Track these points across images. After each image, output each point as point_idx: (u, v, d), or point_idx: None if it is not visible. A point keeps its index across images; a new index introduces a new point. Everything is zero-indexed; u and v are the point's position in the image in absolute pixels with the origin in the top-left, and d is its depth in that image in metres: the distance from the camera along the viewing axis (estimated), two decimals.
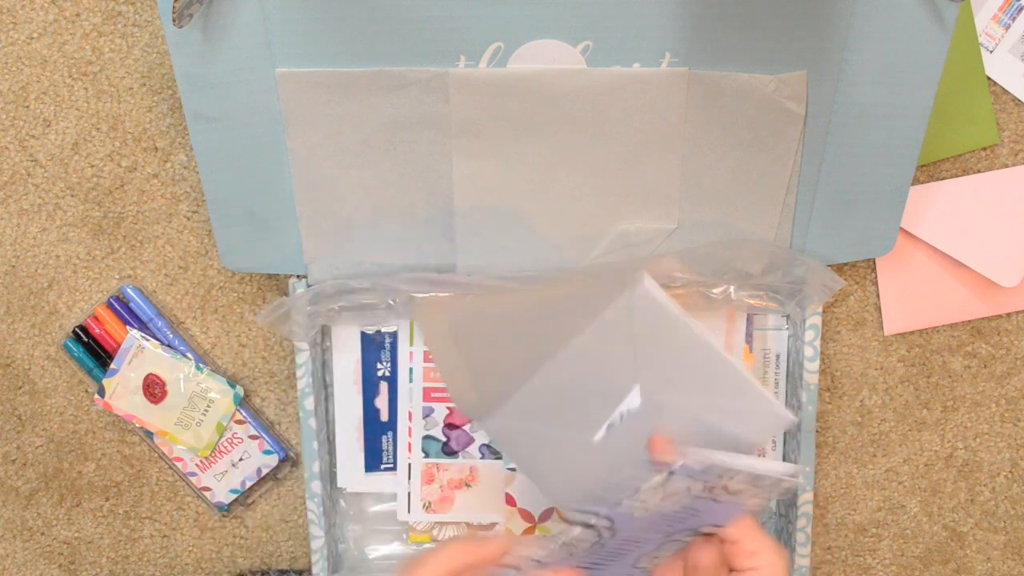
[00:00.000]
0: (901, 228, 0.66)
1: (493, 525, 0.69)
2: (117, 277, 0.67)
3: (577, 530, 0.45)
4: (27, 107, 0.64)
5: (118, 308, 0.67)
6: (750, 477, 0.46)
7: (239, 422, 0.69)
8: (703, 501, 0.46)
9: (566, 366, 0.53)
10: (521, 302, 0.52)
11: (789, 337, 0.67)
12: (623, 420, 0.51)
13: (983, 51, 0.64)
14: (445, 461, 0.68)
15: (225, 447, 0.69)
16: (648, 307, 0.50)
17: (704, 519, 0.48)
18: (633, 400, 0.51)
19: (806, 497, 0.65)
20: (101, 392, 0.67)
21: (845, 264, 0.68)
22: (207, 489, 0.70)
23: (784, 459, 0.69)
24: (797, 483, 0.48)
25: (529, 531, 0.69)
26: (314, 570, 0.67)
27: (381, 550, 0.70)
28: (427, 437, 0.67)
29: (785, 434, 0.68)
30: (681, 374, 0.51)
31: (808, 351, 0.64)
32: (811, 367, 0.64)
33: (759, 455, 0.68)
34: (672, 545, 0.49)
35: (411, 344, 0.66)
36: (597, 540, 0.46)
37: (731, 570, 0.49)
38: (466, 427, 0.67)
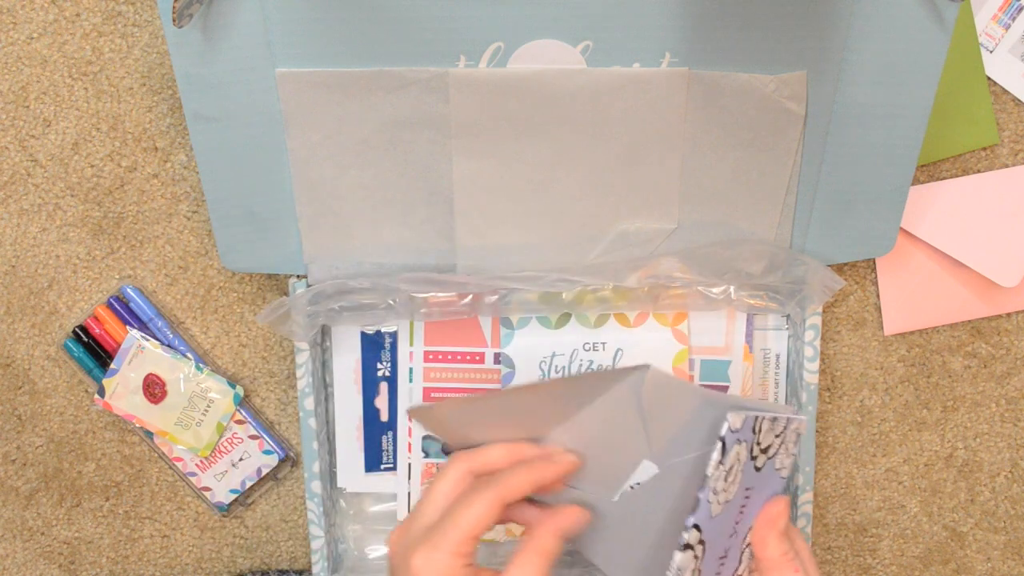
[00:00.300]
0: (901, 228, 0.66)
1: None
2: (117, 277, 0.67)
3: (678, 557, 0.44)
4: (27, 107, 0.64)
5: (118, 308, 0.67)
6: (771, 423, 0.46)
7: (239, 422, 0.69)
8: (753, 474, 0.46)
9: (574, 433, 0.52)
10: (515, 398, 0.51)
11: (789, 337, 0.67)
12: (636, 490, 0.51)
13: (983, 51, 0.64)
14: (445, 461, 0.68)
15: (225, 447, 0.69)
16: (657, 381, 0.49)
17: (757, 499, 0.48)
18: (645, 472, 0.50)
19: (806, 497, 0.65)
20: (101, 392, 0.67)
21: (845, 264, 0.68)
22: (207, 489, 0.70)
23: None
24: (802, 421, 0.49)
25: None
26: (314, 570, 0.67)
27: (381, 550, 0.70)
28: (427, 437, 0.67)
29: None
30: (694, 438, 0.50)
31: (808, 351, 0.64)
32: (811, 367, 0.64)
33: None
34: (743, 559, 0.49)
35: (411, 344, 0.66)
36: (695, 564, 0.45)
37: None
38: None
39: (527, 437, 0.52)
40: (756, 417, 0.46)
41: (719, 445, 0.44)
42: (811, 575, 0.49)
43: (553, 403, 0.50)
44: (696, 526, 0.44)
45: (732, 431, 0.44)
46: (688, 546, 0.44)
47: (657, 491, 0.50)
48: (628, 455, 0.51)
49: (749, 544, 0.50)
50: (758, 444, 0.47)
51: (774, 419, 0.47)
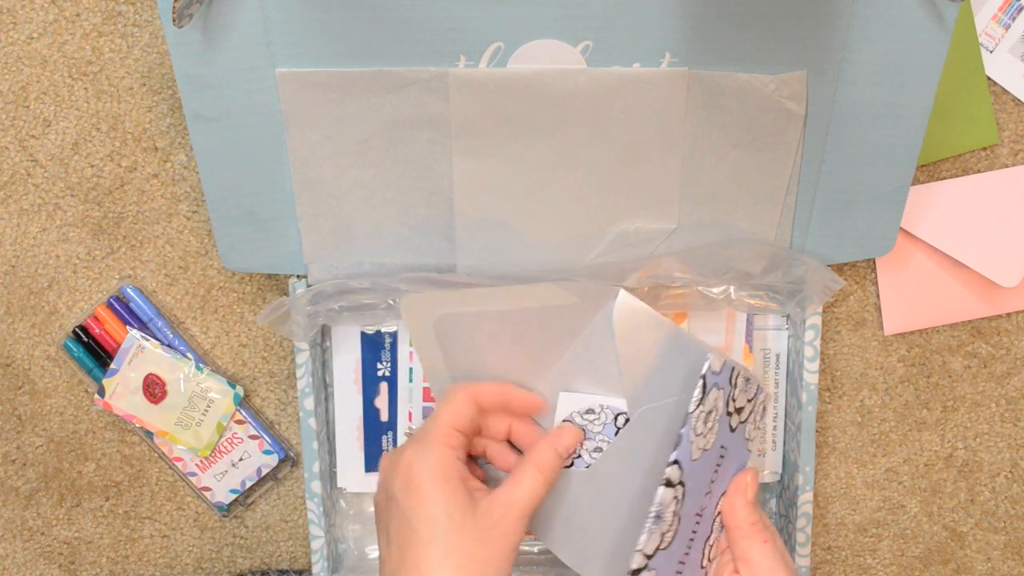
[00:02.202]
0: (901, 228, 0.66)
1: None
2: (117, 277, 0.67)
3: (661, 492, 0.45)
4: (27, 107, 0.64)
5: (118, 308, 0.67)
6: (745, 383, 0.47)
7: (239, 422, 0.69)
8: (727, 434, 0.47)
9: (555, 383, 0.52)
10: (504, 311, 0.52)
11: (789, 337, 0.67)
12: (608, 454, 0.51)
13: (983, 51, 0.64)
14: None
15: (225, 447, 0.69)
16: (628, 317, 0.50)
17: (729, 466, 0.48)
18: (623, 409, 0.51)
19: (806, 497, 0.65)
20: (101, 392, 0.67)
21: (845, 264, 0.68)
22: (207, 489, 0.70)
23: (784, 459, 0.69)
24: (767, 396, 0.50)
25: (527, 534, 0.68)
26: (314, 570, 0.67)
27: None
28: None
29: (786, 434, 0.68)
30: (672, 377, 0.51)
31: (808, 351, 0.64)
32: (811, 367, 0.64)
33: (760, 453, 0.68)
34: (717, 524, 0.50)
35: (411, 344, 0.66)
36: (675, 506, 0.45)
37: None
38: None
39: (507, 369, 0.52)
40: (733, 368, 0.46)
41: (700, 382, 0.44)
42: (778, 547, 0.49)
43: (535, 332, 0.51)
44: (677, 462, 0.45)
45: (713, 372, 0.45)
46: (670, 483, 0.45)
47: (631, 452, 0.50)
48: (609, 393, 0.51)
49: (719, 513, 0.50)
50: (733, 400, 0.47)
51: (747, 379, 0.47)
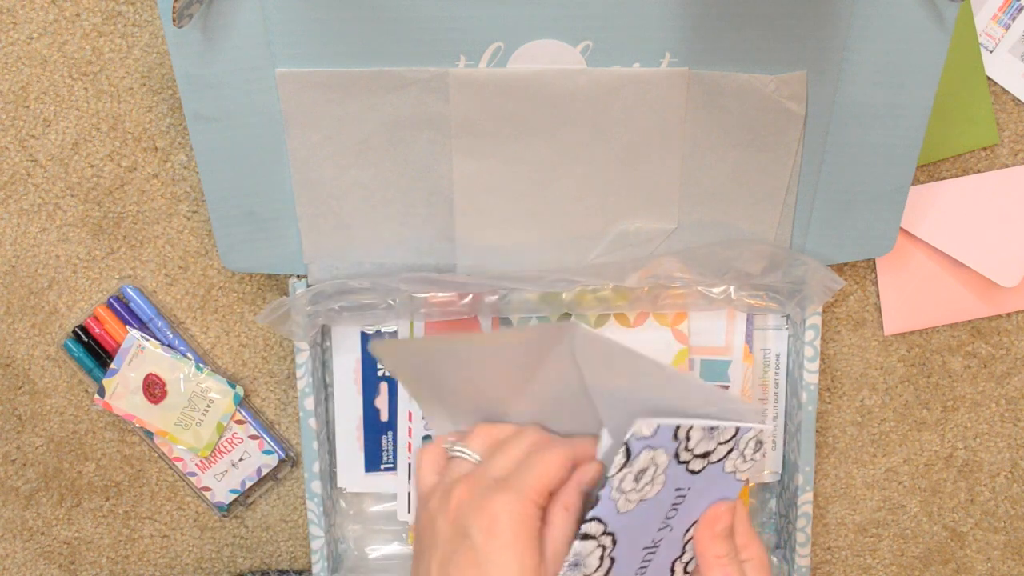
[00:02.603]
0: (901, 228, 0.66)
1: None
2: (117, 277, 0.67)
3: (576, 545, 0.45)
4: (27, 107, 0.64)
5: (118, 308, 0.67)
6: (706, 432, 0.46)
7: (239, 422, 0.69)
8: (685, 476, 0.46)
9: (532, 409, 0.52)
10: (466, 352, 0.52)
11: (789, 337, 0.67)
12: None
13: (983, 51, 0.64)
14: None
15: (225, 447, 0.69)
16: (590, 346, 0.49)
17: (700, 499, 0.48)
18: (604, 443, 0.50)
19: (806, 497, 0.65)
20: (101, 392, 0.67)
21: (845, 264, 0.68)
22: (207, 489, 0.70)
23: (784, 459, 0.69)
24: (758, 428, 0.47)
25: None
26: (314, 570, 0.67)
27: (381, 550, 0.70)
28: (427, 437, 0.67)
29: (785, 434, 0.68)
30: (643, 404, 0.50)
31: (808, 351, 0.64)
32: (811, 367, 0.64)
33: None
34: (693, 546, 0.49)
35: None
36: (602, 552, 0.46)
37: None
38: None
39: (490, 407, 0.52)
40: (677, 427, 0.45)
41: (623, 449, 0.44)
42: None
43: (505, 364, 0.50)
44: (597, 519, 0.45)
45: (638, 438, 0.44)
46: (588, 536, 0.45)
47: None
48: (585, 426, 0.51)
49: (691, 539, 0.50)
50: (688, 450, 0.46)
51: (712, 428, 0.46)
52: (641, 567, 0.49)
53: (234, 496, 0.70)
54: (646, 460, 0.45)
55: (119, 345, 0.66)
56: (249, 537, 0.72)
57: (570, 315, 0.65)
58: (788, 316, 0.67)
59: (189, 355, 0.67)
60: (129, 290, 0.67)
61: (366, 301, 0.63)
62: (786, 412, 0.68)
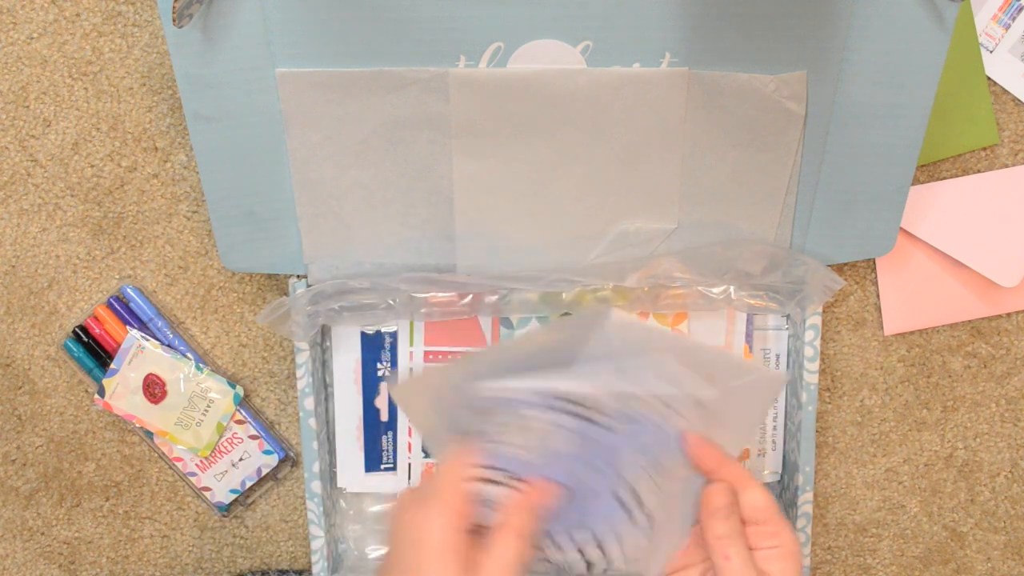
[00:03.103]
0: (901, 228, 0.66)
1: None
2: (117, 277, 0.67)
3: (481, 487, 0.47)
4: (27, 107, 0.64)
5: (118, 308, 0.67)
6: (613, 396, 0.48)
7: (239, 422, 0.69)
8: (596, 430, 0.48)
9: None
10: (497, 361, 0.52)
11: (789, 337, 0.67)
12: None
13: (983, 51, 0.64)
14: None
15: (225, 447, 0.69)
16: (623, 332, 0.50)
17: (637, 447, 0.49)
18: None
19: (806, 497, 0.65)
20: (101, 392, 0.67)
21: (845, 264, 0.68)
22: (207, 489, 0.70)
23: (784, 459, 0.69)
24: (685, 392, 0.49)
25: None
26: (314, 570, 0.67)
27: (381, 550, 0.70)
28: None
29: (786, 434, 0.68)
30: (672, 382, 0.51)
31: (808, 351, 0.64)
32: (811, 367, 0.64)
33: (760, 453, 0.68)
34: (660, 465, 0.50)
35: (411, 344, 0.66)
36: (502, 495, 0.48)
37: (752, 548, 0.50)
38: None
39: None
40: (555, 392, 0.47)
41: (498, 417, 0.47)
42: (738, 565, 0.49)
43: (539, 364, 0.51)
44: (492, 466, 0.48)
45: (481, 399, 0.47)
46: (489, 480, 0.48)
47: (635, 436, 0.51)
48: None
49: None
50: (589, 408, 0.47)
51: (621, 393, 0.47)
52: (584, 504, 0.50)
53: (234, 496, 0.70)
54: (526, 419, 0.47)
55: (119, 345, 0.66)
56: (249, 537, 0.72)
57: (570, 315, 0.65)
58: (788, 316, 0.67)
59: (189, 355, 0.67)
60: (129, 290, 0.67)
61: (366, 301, 0.63)
62: (786, 412, 0.68)
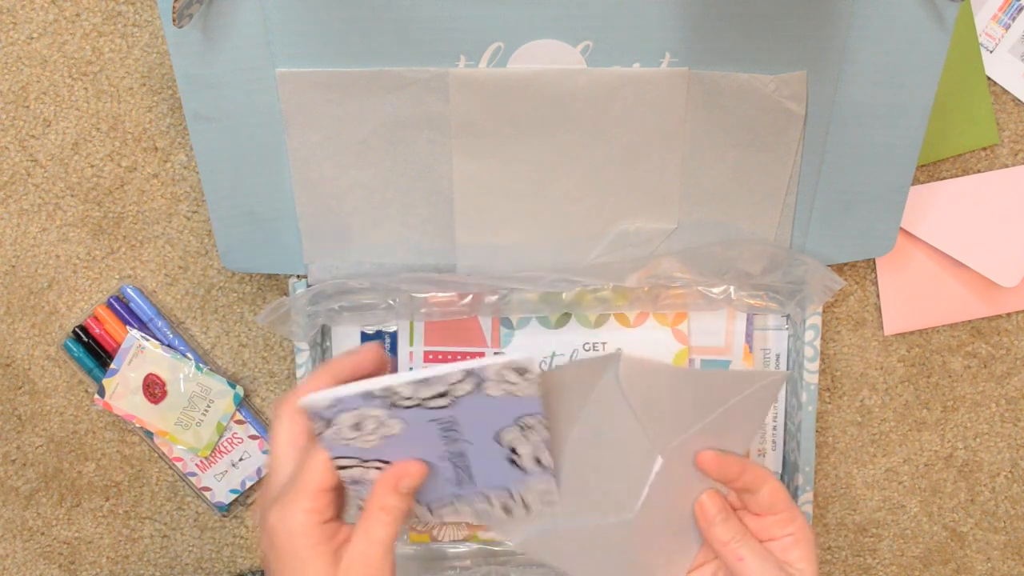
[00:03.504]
0: (901, 228, 0.66)
1: None
2: (117, 277, 0.67)
3: (341, 473, 0.47)
4: (27, 107, 0.64)
5: (118, 308, 0.67)
6: (418, 383, 0.47)
7: (239, 422, 0.69)
8: (431, 412, 0.47)
9: (571, 461, 0.52)
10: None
11: (789, 337, 0.67)
12: (652, 488, 0.51)
13: (983, 51, 0.64)
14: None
15: (225, 447, 0.69)
16: (634, 372, 0.50)
17: (481, 420, 0.49)
18: (657, 467, 0.51)
19: (806, 497, 0.65)
20: (101, 392, 0.67)
21: (845, 264, 0.68)
22: (207, 489, 0.70)
23: (784, 459, 0.69)
24: (504, 361, 0.47)
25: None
26: None
27: None
28: None
29: (786, 434, 0.68)
30: (685, 414, 0.51)
31: (808, 351, 0.64)
32: (811, 367, 0.64)
33: (760, 453, 0.68)
34: (523, 421, 0.50)
35: (411, 344, 0.66)
36: (357, 483, 0.48)
37: (769, 539, 0.51)
38: None
39: None
40: (367, 391, 0.47)
41: (320, 419, 0.46)
42: (755, 564, 0.49)
43: (550, 408, 0.51)
44: (343, 456, 0.47)
45: (315, 409, 0.46)
46: (343, 467, 0.48)
47: (665, 485, 0.50)
48: (635, 460, 0.51)
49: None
50: (407, 398, 0.47)
51: (423, 379, 0.47)
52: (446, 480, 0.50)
53: (234, 496, 0.70)
54: (353, 417, 0.46)
55: (119, 345, 0.66)
56: (249, 537, 0.72)
57: (570, 315, 0.65)
58: (788, 316, 0.67)
59: (189, 355, 0.67)
60: (129, 290, 0.67)
61: (366, 301, 0.63)
62: (786, 412, 0.68)
